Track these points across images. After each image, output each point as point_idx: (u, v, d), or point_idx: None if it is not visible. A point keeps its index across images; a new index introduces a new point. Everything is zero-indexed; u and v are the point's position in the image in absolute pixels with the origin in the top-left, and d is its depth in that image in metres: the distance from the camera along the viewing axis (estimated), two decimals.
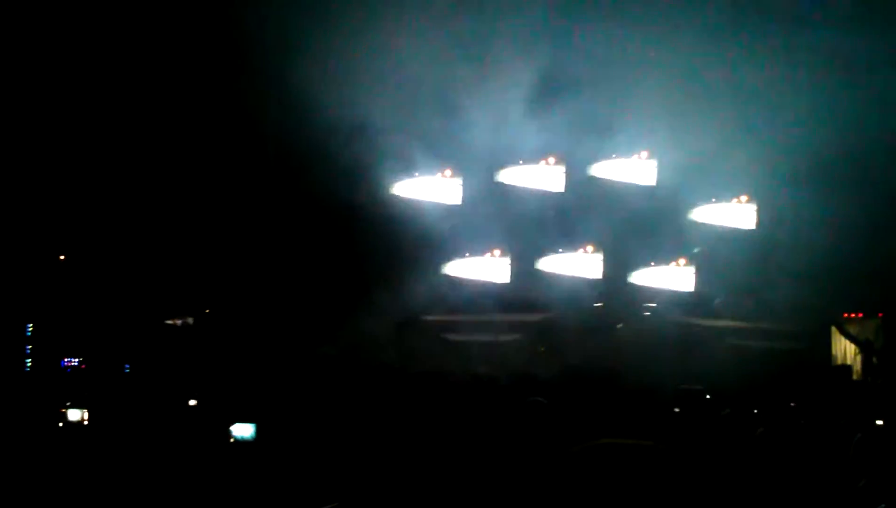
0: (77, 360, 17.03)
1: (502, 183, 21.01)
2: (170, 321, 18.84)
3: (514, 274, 20.94)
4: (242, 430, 5.82)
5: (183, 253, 18.73)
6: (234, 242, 19.24)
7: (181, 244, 18.73)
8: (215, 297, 19.01)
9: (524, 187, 20.98)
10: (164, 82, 18.13)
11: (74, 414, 10.79)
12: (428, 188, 20.88)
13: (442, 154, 20.76)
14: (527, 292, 20.55)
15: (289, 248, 20.23)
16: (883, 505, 4.00)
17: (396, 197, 20.62)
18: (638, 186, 20.95)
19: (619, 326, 20.59)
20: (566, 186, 21.04)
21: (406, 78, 17.61)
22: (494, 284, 20.76)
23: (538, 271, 21.00)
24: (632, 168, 20.86)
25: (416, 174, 20.72)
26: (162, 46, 17.92)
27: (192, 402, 9.62)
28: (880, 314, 20.46)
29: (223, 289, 18.96)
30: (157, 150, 18.53)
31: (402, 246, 19.29)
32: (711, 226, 21.27)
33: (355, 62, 17.33)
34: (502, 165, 20.92)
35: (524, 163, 20.90)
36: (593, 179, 20.87)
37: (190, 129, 18.53)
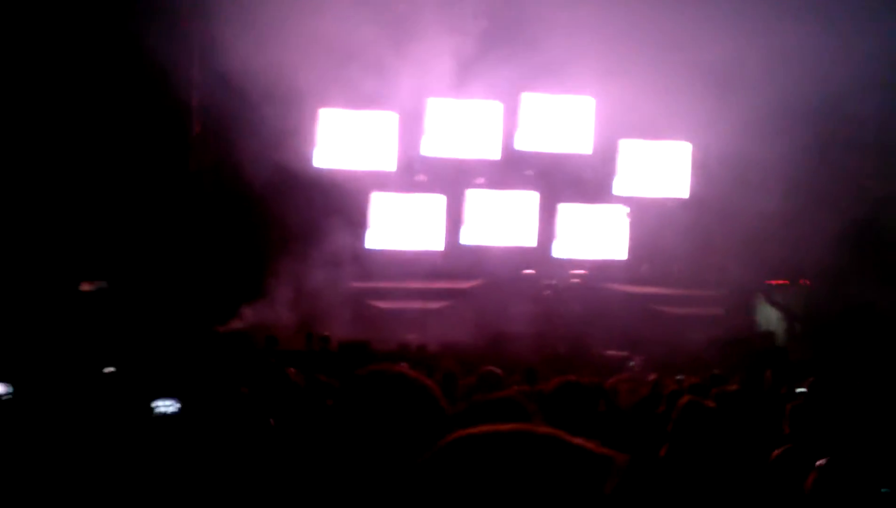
0: None
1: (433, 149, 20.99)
2: (85, 287, 18.35)
3: (445, 241, 20.98)
4: (165, 404, 5.61)
5: (101, 217, 18.26)
6: (155, 207, 18.85)
7: (99, 208, 18.26)
8: (134, 262, 18.59)
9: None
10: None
11: None
12: (355, 156, 20.78)
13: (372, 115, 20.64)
14: (457, 260, 20.57)
15: (212, 214, 19.91)
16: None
17: (322, 164, 20.48)
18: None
19: (547, 292, 20.64)
20: (501, 150, 21.12)
21: (326, 35, 17.38)
22: (424, 252, 20.75)
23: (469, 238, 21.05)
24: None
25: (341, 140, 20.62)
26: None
27: (109, 369, 9.32)
28: (805, 281, 20.83)
29: (140, 254, 18.55)
30: (72, 111, 18.01)
31: (328, 214, 19.12)
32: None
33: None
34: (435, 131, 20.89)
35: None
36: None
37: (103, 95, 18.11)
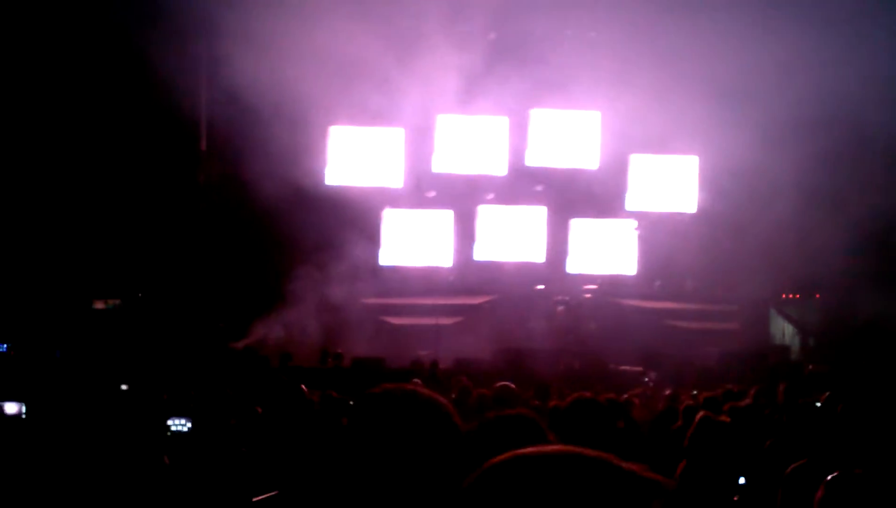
0: (5, 346, 16.47)
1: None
2: (98, 305, 18.40)
3: (455, 257, 20.99)
4: (180, 421, 5.61)
5: (112, 234, 18.34)
6: (166, 225, 18.93)
7: (110, 226, 18.33)
8: (147, 279, 18.65)
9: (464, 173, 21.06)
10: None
11: (11, 407, 10.10)
12: (365, 173, 20.86)
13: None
14: (469, 276, 20.58)
15: (224, 231, 19.97)
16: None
17: (332, 181, 20.56)
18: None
19: (560, 308, 20.60)
20: (509, 165, 21.15)
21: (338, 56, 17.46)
22: (436, 267, 20.77)
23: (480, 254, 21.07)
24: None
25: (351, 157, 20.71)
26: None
27: (124, 387, 9.33)
28: (817, 296, 20.73)
29: (155, 272, 18.61)
30: (82, 130, 18.11)
31: (340, 230, 19.16)
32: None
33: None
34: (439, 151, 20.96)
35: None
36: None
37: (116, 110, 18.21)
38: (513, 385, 6.78)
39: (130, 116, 18.21)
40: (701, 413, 5.53)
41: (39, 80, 17.63)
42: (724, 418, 5.79)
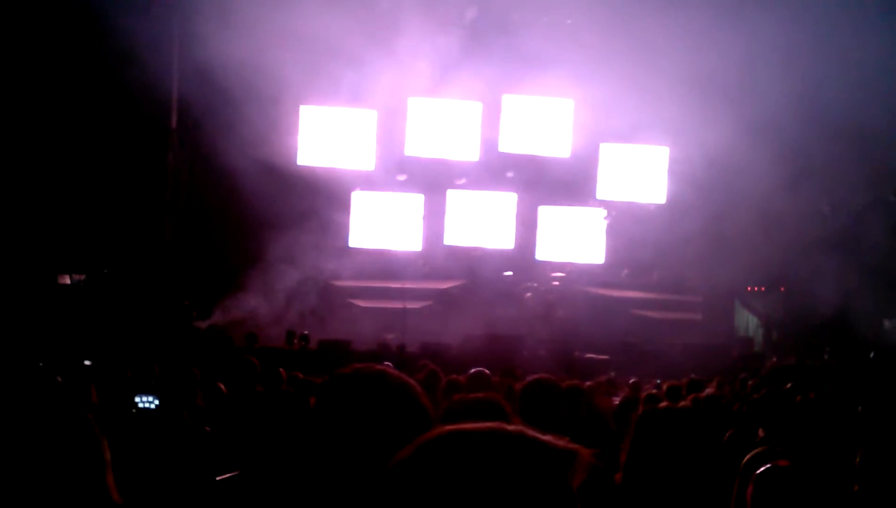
0: None
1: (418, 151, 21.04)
2: (63, 280, 18.23)
3: (424, 241, 21.01)
4: (147, 398, 5.59)
5: (79, 210, 18.18)
6: (134, 201, 18.79)
7: (77, 201, 18.17)
8: (113, 255, 18.50)
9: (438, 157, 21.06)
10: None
11: None
12: (336, 154, 20.80)
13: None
14: (438, 260, 20.60)
15: (192, 209, 19.86)
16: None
17: (304, 161, 20.50)
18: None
19: (528, 295, 20.69)
20: (481, 151, 21.18)
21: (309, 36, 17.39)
22: (405, 251, 20.77)
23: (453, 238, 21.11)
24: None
25: (322, 137, 20.65)
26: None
27: (87, 362, 9.26)
28: (782, 288, 20.95)
29: (121, 248, 18.47)
30: (50, 105, 17.92)
31: (309, 211, 19.11)
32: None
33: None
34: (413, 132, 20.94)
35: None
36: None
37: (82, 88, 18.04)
38: (487, 371, 6.81)
39: (100, 92, 18.03)
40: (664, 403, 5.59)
41: (5, 57, 17.39)
42: (684, 404, 5.86)
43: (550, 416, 4.57)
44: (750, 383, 9.87)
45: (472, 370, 6.74)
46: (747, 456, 5.18)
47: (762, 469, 3.47)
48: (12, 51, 17.39)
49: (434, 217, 20.97)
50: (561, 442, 1.42)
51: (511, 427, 1.43)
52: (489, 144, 21.20)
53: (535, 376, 5.01)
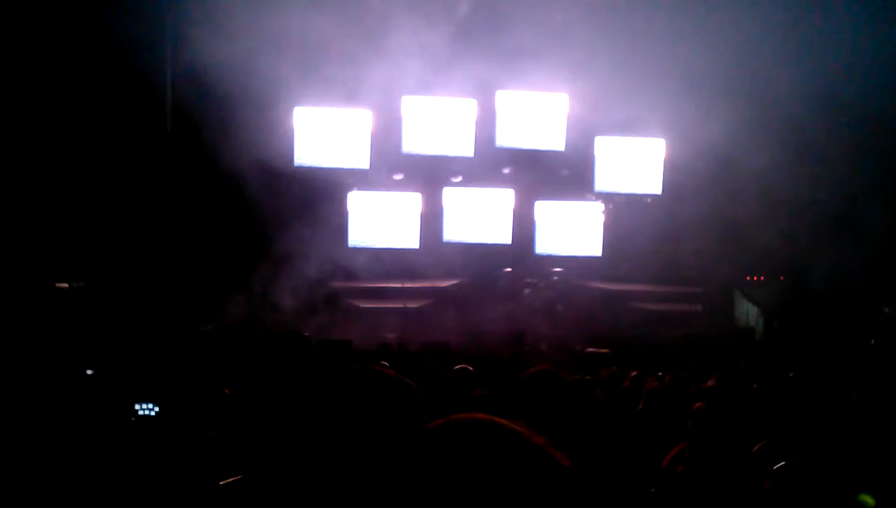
0: None
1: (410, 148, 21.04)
2: (61, 285, 18.23)
3: (421, 240, 21.00)
4: (146, 406, 5.58)
5: (77, 216, 18.17)
6: (132, 206, 18.77)
7: (75, 207, 18.16)
8: (112, 261, 18.49)
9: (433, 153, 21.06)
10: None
11: None
12: (332, 154, 20.80)
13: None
14: (436, 258, 20.59)
15: (190, 213, 19.85)
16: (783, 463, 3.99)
17: (300, 162, 20.50)
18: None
19: (527, 291, 20.70)
20: (475, 147, 21.17)
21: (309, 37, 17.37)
22: (404, 250, 20.76)
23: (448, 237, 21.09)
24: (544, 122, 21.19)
25: (318, 138, 20.65)
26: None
27: (90, 371, 9.25)
28: (782, 278, 20.95)
29: (120, 254, 18.46)
30: (46, 109, 17.91)
31: (307, 212, 19.11)
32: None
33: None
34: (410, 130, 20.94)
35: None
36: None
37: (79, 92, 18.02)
38: (471, 368, 6.79)
39: (96, 96, 18.02)
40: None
41: (1, 57, 17.38)
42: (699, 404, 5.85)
43: (551, 407, 4.55)
44: (748, 374, 9.86)
45: (455, 367, 6.71)
46: (756, 447, 5.17)
47: (779, 465, 3.46)
48: (7, 56, 17.36)
49: (431, 215, 20.97)
50: (547, 446, 1.42)
51: (505, 422, 1.43)
52: (485, 141, 21.19)
53: (537, 367, 4.99)
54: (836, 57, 16.89)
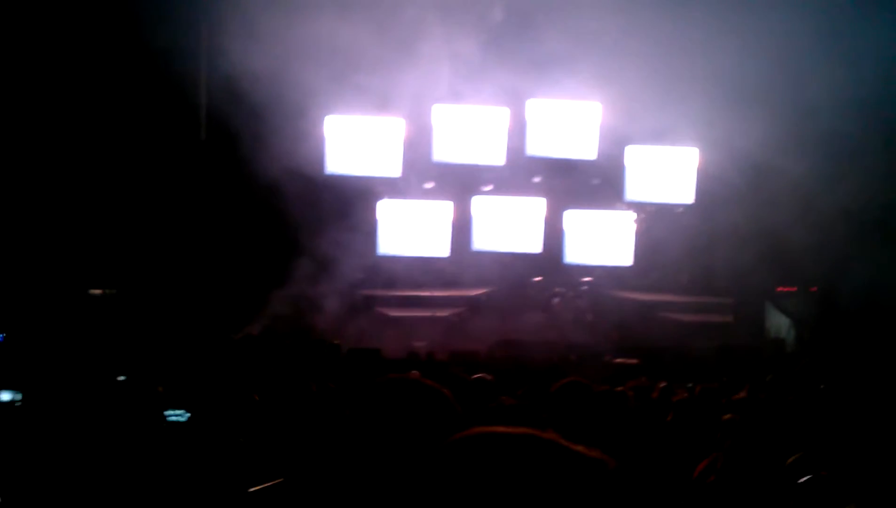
0: (1, 335, 16.40)
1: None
2: (94, 291, 18.40)
3: (452, 248, 21.00)
4: (177, 412, 5.62)
5: (110, 223, 18.34)
6: (165, 214, 18.92)
7: (108, 214, 18.33)
8: (144, 269, 18.65)
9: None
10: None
11: (6, 395, 10.01)
12: (363, 162, 20.86)
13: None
14: (466, 266, 20.58)
15: (223, 221, 19.97)
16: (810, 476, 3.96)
17: (331, 170, 20.58)
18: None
19: (556, 300, 20.64)
20: (507, 155, 21.15)
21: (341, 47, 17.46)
22: (434, 258, 20.78)
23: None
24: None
25: (349, 146, 20.73)
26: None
27: (121, 378, 9.31)
28: (814, 289, 20.75)
29: (152, 261, 18.61)
30: (81, 118, 18.10)
31: (337, 220, 19.19)
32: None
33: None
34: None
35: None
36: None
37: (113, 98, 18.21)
38: (490, 377, 6.74)
39: (132, 105, 18.20)
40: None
41: (38, 66, 17.60)
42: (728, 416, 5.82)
43: (582, 418, 4.54)
44: (778, 385, 9.77)
45: (473, 376, 6.60)
46: (789, 460, 5.13)
47: (803, 479, 3.44)
48: (45, 65, 17.59)
49: (462, 223, 20.97)
50: (589, 451, 1.42)
51: (545, 434, 1.44)
52: (516, 150, 21.15)
53: (568, 378, 4.97)
54: (873, 65, 16.74)
